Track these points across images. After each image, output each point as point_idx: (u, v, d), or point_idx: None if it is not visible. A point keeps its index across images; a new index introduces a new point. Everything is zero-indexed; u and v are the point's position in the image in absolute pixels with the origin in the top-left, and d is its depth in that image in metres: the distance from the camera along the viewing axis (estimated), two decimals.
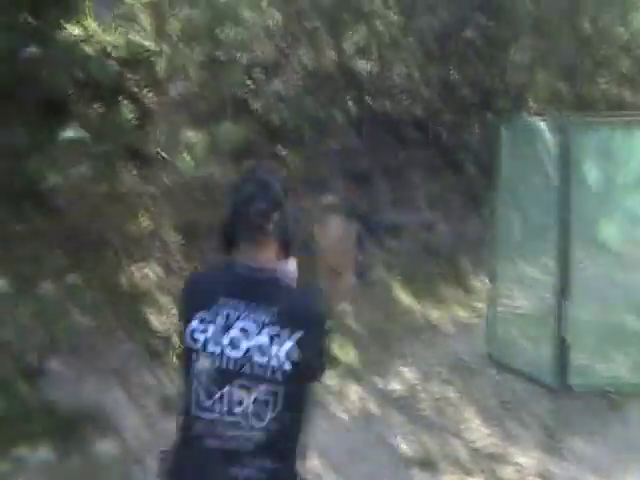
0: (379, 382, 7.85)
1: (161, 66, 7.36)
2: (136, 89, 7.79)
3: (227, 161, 8.17)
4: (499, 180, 8.53)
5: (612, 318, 7.87)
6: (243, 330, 2.16)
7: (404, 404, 7.33)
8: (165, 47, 7.74)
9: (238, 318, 2.17)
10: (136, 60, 8.21)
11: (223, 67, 7.94)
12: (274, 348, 2.14)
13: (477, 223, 12.95)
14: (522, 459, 6.17)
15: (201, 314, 2.20)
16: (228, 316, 2.17)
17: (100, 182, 7.05)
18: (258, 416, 2.15)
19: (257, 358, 2.14)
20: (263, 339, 2.15)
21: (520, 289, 8.77)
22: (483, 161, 13.14)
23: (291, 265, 2.40)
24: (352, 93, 11.39)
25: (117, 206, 7.57)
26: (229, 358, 2.15)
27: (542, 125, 7.95)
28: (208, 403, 2.16)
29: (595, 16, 15.02)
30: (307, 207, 10.12)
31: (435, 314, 10.13)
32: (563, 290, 7.44)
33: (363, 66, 11.60)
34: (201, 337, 2.18)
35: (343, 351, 8.37)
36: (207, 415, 2.16)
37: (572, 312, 7.41)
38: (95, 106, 7.71)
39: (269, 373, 2.15)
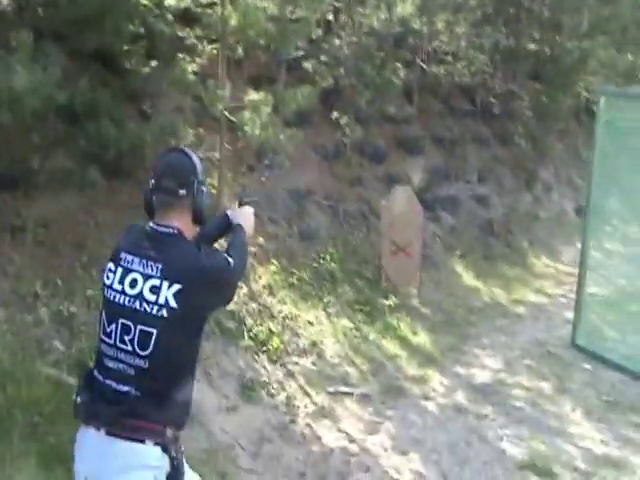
0: (460, 370, 7.10)
1: (223, 21, 6.41)
2: (197, 43, 6.89)
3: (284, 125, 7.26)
4: (594, 154, 7.60)
5: None
6: (134, 280, 2.61)
7: (493, 395, 6.57)
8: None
9: (132, 270, 2.62)
10: (194, 14, 7.36)
11: (289, 24, 6.96)
12: (155, 296, 2.55)
13: (529, 197, 12.24)
14: None
15: (111, 264, 2.69)
16: (125, 267, 2.64)
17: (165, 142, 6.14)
18: (141, 346, 2.55)
19: (143, 301, 2.57)
20: (147, 287, 2.57)
21: (616, 273, 7.97)
22: (533, 132, 12.39)
23: (195, 230, 2.85)
24: (403, 58, 10.48)
25: None
26: (124, 297, 2.61)
27: None
28: (108, 329, 2.63)
29: None
30: (363, 176, 9.34)
31: (501, 295, 9.39)
32: None
33: (415, 30, 10.67)
34: (108, 279, 2.68)
35: (414, 334, 7.64)
36: (107, 339, 2.64)
37: None
38: (152, 63, 6.85)
39: (152, 313, 2.55)
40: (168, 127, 6.55)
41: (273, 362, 6.20)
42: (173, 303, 2.55)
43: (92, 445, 2.60)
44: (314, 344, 6.74)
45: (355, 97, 9.21)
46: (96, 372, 2.68)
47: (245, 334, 6.20)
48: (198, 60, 7.16)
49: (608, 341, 7.69)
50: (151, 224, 2.72)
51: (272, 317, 6.68)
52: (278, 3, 6.69)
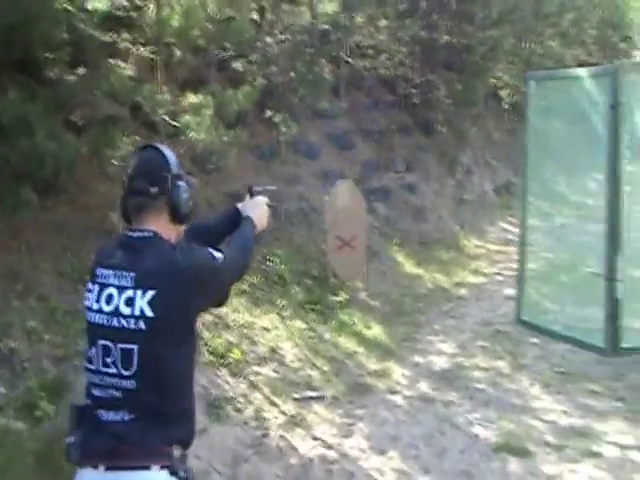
0: (418, 359, 6.71)
1: (160, 23, 5.75)
2: (130, 48, 6.20)
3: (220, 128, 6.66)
4: (527, 132, 7.32)
5: None
6: (109, 295, 2.23)
7: (455, 380, 6.22)
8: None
9: (107, 285, 2.24)
10: (122, 18, 6.65)
11: (223, 25, 6.35)
12: (130, 309, 2.18)
13: (452, 182, 11.99)
14: (614, 434, 5.09)
15: (89, 283, 2.31)
16: (101, 284, 2.26)
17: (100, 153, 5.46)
18: (125, 366, 2.17)
19: (120, 316, 2.19)
20: (122, 301, 2.20)
21: (541, 247, 7.71)
22: (451, 119, 12.17)
23: (179, 230, 2.42)
24: (329, 54, 9.99)
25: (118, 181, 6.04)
26: (101, 316, 2.23)
27: (584, 72, 6.82)
28: (90, 354, 2.26)
29: None
30: (300, 173, 8.82)
31: (443, 280, 9.06)
32: (615, 247, 6.34)
33: (339, 25, 10.17)
34: (87, 301, 2.29)
35: (368, 328, 7.20)
36: (90, 365, 2.26)
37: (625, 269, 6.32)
38: (79, 70, 6.14)
39: (129, 327, 2.17)
40: (103, 138, 5.86)
41: (235, 375, 5.63)
42: (149, 312, 2.17)
43: None
44: (273, 350, 6.20)
45: (287, 95, 8.66)
46: (85, 405, 2.27)
47: (204, 349, 5.59)
48: (129, 65, 6.44)
49: (549, 314, 7.45)
50: (126, 232, 2.34)
51: (228, 327, 6.11)
52: (218, 3, 6.02)
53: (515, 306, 7.65)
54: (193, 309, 2.28)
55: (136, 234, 2.29)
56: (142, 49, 6.41)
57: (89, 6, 6.28)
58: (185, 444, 2.27)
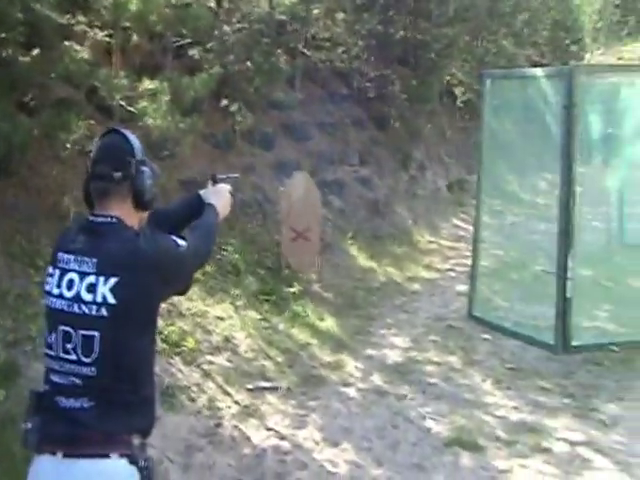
0: (371, 352, 6.80)
1: (118, 7, 5.69)
2: (87, 30, 6.11)
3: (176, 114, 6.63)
4: (482, 131, 7.49)
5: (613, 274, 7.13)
6: (70, 280, 2.21)
7: (407, 374, 6.32)
8: None
9: (68, 270, 2.22)
10: None
11: (180, 10, 6.31)
12: (92, 295, 2.16)
13: (406, 177, 12.15)
14: (564, 430, 5.26)
15: (50, 267, 2.29)
16: (62, 269, 2.24)
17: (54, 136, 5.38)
18: (85, 352, 2.16)
19: (81, 302, 2.18)
20: (84, 286, 2.18)
21: (492, 244, 7.91)
22: (405, 115, 12.32)
23: (142, 217, 2.41)
24: (286, 44, 10.01)
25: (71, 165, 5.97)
26: (62, 301, 2.21)
27: (539, 73, 7.01)
28: (50, 340, 2.24)
29: None
30: (254, 163, 8.84)
31: (395, 274, 9.20)
32: (566, 246, 6.56)
33: (296, 16, 10.19)
34: (47, 285, 2.28)
35: (321, 320, 7.28)
36: (49, 351, 2.24)
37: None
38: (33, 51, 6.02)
39: (91, 314, 2.16)
40: (57, 120, 5.78)
41: (188, 363, 5.63)
42: (111, 299, 2.16)
43: (48, 473, 2.17)
44: (227, 340, 6.22)
45: (243, 84, 8.65)
46: (44, 391, 2.26)
47: (158, 337, 5.56)
48: (85, 48, 6.35)
49: (499, 310, 7.68)
50: (89, 216, 2.32)
51: (182, 315, 6.09)
52: None
53: (467, 302, 7.85)
54: (156, 297, 2.29)
55: (99, 219, 2.27)
56: (99, 32, 6.30)
57: None
58: (145, 433, 2.27)
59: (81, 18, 6.62)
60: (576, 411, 5.55)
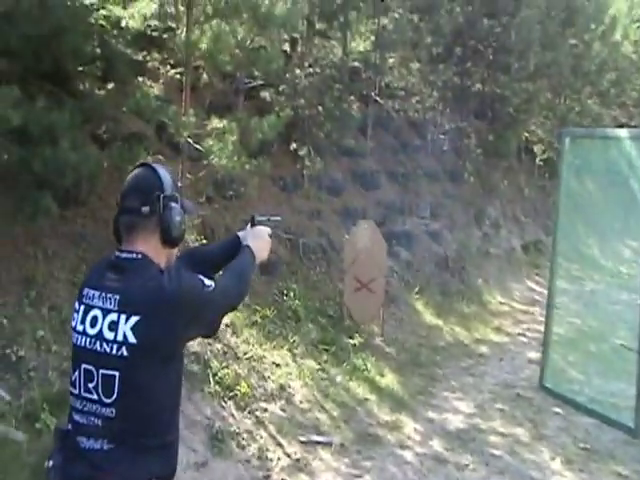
0: (432, 415, 6.62)
1: (189, 45, 5.89)
2: (158, 67, 6.35)
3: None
4: (560, 190, 7.31)
5: None
6: (94, 317, 2.22)
7: (470, 441, 6.11)
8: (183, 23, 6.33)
9: (93, 307, 2.23)
10: (154, 37, 6.81)
11: (252, 52, 6.49)
12: (113, 333, 2.16)
13: (478, 233, 12.03)
14: None
15: (76, 303, 2.30)
16: (87, 305, 2.25)
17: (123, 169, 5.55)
18: (106, 393, 2.17)
19: (103, 340, 2.18)
20: (106, 324, 2.18)
21: (568, 311, 7.67)
22: (480, 169, 12.27)
23: (171, 254, 2.40)
24: (359, 91, 10.16)
25: None
26: (85, 339, 2.22)
27: (623, 133, 6.88)
28: (73, 378, 2.25)
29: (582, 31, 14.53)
30: (321, 209, 8.91)
31: (463, 334, 9.03)
32: None
33: (370, 64, 10.35)
34: (73, 321, 2.29)
35: (381, 376, 7.17)
36: (73, 390, 2.25)
37: None
38: (108, 85, 6.29)
39: (112, 353, 2.16)
40: (127, 153, 5.97)
41: (241, 409, 5.62)
42: (132, 338, 2.15)
43: None
44: (282, 388, 6.19)
45: (313, 129, 8.79)
46: (68, 429, 2.26)
47: (211, 378, 5.60)
48: (157, 84, 6.59)
49: (574, 383, 7.36)
50: (116, 252, 2.32)
51: (237, 359, 6.11)
52: (247, 28, 6.16)
53: (538, 371, 7.58)
54: (178, 337, 2.26)
55: (124, 255, 2.28)
56: (172, 70, 6.53)
57: (123, 23, 6.43)
58: (164, 477, 2.26)
59: (155, 55, 6.86)
60: None
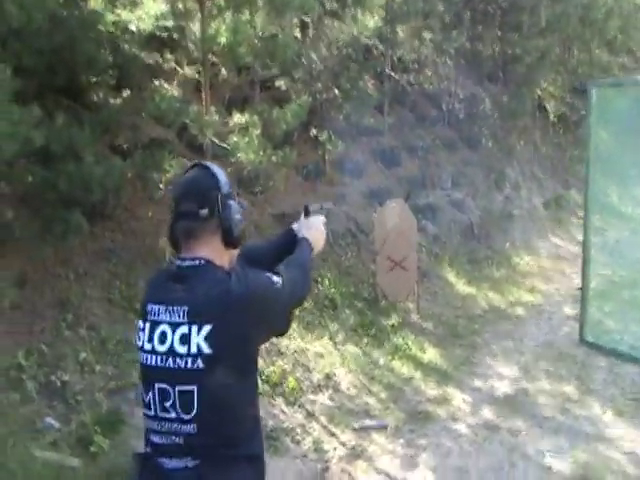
0: (478, 383, 6.45)
1: (206, 41, 5.65)
2: (174, 67, 6.12)
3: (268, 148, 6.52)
4: (589, 145, 7.03)
5: None
6: (162, 333, 2.05)
7: (519, 406, 5.94)
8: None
9: (159, 322, 2.06)
10: (163, 37, 6.58)
11: (269, 41, 6.22)
12: (186, 347, 2.01)
13: (500, 197, 11.74)
14: None
15: (140, 321, 2.13)
16: (152, 321, 2.08)
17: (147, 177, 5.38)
18: (184, 409, 2.02)
19: (175, 356, 2.02)
20: (177, 338, 2.02)
21: (597, 264, 7.43)
22: (497, 133, 11.95)
23: (233, 254, 2.23)
24: (374, 69, 9.84)
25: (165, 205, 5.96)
26: (155, 357, 2.05)
27: None
28: (147, 399, 2.09)
29: None
30: (344, 192, 8.67)
31: (497, 299, 8.80)
32: None
33: (382, 39, 10.02)
34: (139, 341, 2.12)
35: (423, 352, 6.98)
36: (148, 411, 2.10)
37: None
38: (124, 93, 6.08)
39: (187, 367, 2.00)
40: (149, 161, 5.79)
41: (291, 404, 5.47)
42: (207, 349, 2.01)
43: None
44: (328, 377, 6.04)
45: (332, 112, 8.53)
46: (145, 453, 2.13)
47: (258, 378, 5.43)
48: (174, 86, 6.37)
49: (613, 333, 7.19)
50: (176, 260, 2.16)
51: (281, 354, 5.95)
52: (263, 17, 5.90)
53: (577, 326, 7.39)
54: (254, 341, 2.13)
55: (186, 263, 2.12)
56: (187, 69, 6.29)
57: (133, 27, 6.20)
58: None
59: (169, 56, 6.64)
60: None
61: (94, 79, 5.90)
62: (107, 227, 5.69)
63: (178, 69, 6.35)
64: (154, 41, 6.46)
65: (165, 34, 6.70)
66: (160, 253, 5.65)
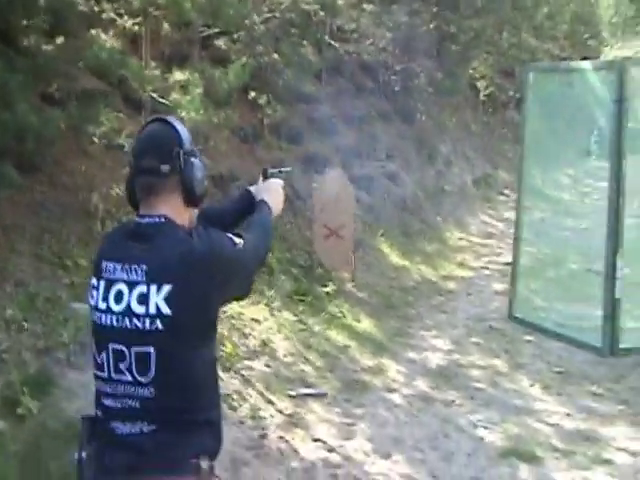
0: (413, 355, 6.45)
1: None
2: (115, 18, 5.75)
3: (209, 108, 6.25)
4: (525, 127, 7.09)
5: None
6: (119, 292, 1.94)
7: (453, 378, 5.98)
8: None
9: (115, 280, 1.95)
10: None
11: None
12: (144, 307, 1.89)
13: (432, 172, 11.78)
14: (623, 440, 4.87)
15: (93, 279, 2.02)
16: (107, 279, 1.97)
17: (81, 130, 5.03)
18: (141, 371, 1.90)
19: (132, 315, 1.91)
20: (134, 297, 1.91)
21: (540, 241, 7.51)
22: (431, 109, 11.95)
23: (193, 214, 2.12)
24: (311, 37, 9.61)
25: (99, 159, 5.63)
26: (110, 316, 1.94)
27: (587, 66, 6.63)
28: (99, 360, 1.98)
29: None
30: (284, 158, 8.45)
31: (429, 272, 8.83)
32: (615, 247, 6.15)
33: (324, 6, 9.76)
34: (92, 299, 2.01)
35: (358, 322, 6.92)
36: (100, 373, 1.99)
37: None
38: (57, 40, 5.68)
39: (144, 328, 1.89)
40: (85, 113, 5.43)
41: (227, 369, 5.27)
42: (166, 309, 1.90)
43: None
44: (264, 343, 5.88)
45: (271, 76, 8.27)
46: (96, 416, 2.01)
47: None
48: (110, 37, 6.00)
49: (540, 310, 7.29)
50: (135, 218, 2.05)
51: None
52: None
53: (507, 302, 7.48)
54: (215, 303, 2.01)
55: (145, 220, 2.00)
56: (128, 21, 5.92)
57: None
58: (214, 454, 2.01)
59: (106, 5, 6.24)
60: (633, 418, 5.18)
61: (27, 22, 5.47)
62: (37, 180, 5.31)
63: (117, 19, 5.95)
64: None
65: None
66: (93, 208, 5.34)
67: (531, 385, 5.85)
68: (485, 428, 5.06)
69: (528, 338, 6.86)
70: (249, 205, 2.46)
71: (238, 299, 2.28)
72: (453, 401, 5.50)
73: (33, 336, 4.41)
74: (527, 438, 4.90)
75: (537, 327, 6.98)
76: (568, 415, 5.28)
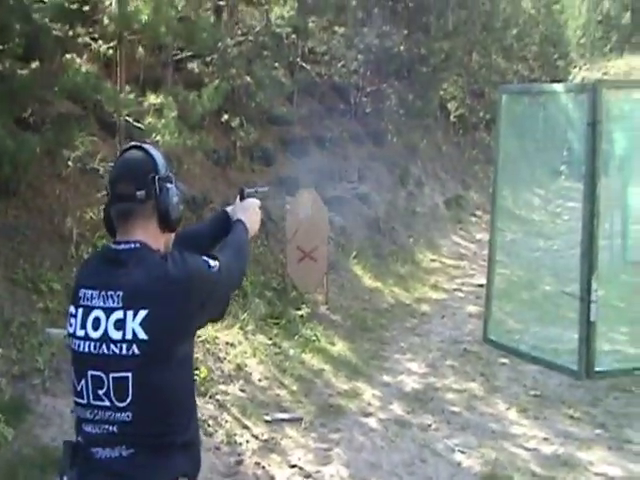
0: (388, 379, 6.54)
1: (126, 17, 5.41)
2: (90, 43, 5.83)
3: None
4: (498, 148, 7.27)
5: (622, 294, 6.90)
6: (96, 319, 1.99)
7: (428, 402, 6.05)
8: None
9: (93, 308, 2.00)
10: (79, 10, 6.22)
11: (189, 23, 6.05)
12: (120, 332, 1.95)
13: (404, 193, 11.96)
14: (601, 464, 4.97)
15: (72, 307, 2.07)
16: (85, 306, 2.02)
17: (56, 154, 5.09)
18: (119, 397, 1.96)
19: (110, 342, 1.96)
20: (111, 324, 1.97)
21: (512, 263, 7.69)
22: (401, 130, 12.17)
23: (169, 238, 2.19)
24: (286, 58, 9.77)
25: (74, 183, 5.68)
26: (88, 343, 1.99)
27: (559, 88, 6.85)
28: (79, 387, 2.03)
29: None
30: (255, 180, 8.55)
31: (403, 295, 8.95)
32: (590, 269, 6.31)
33: (294, 30, 9.95)
34: (71, 327, 2.06)
35: (332, 345, 7.02)
36: (79, 400, 2.04)
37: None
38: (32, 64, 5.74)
39: (122, 354, 1.95)
40: (60, 137, 5.49)
41: (202, 394, 5.32)
42: (142, 334, 1.96)
43: None
44: (239, 367, 5.94)
45: (244, 99, 8.40)
46: (78, 442, 2.05)
47: None
48: (84, 61, 6.06)
49: (514, 333, 7.43)
50: (110, 244, 2.12)
51: None
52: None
53: (480, 324, 7.60)
54: (190, 327, 2.09)
55: (121, 246, 2.07)
56: (102, 45, 5.99)
57: None
58: (192, 476, 2.11)
59: (80, 30, 6.31)
60: (610, 442, 5.27)
61: (1, 47, 5.53)
62: (12, 204, 5.34)
63: (92, 44, 6.02)
64: (68, 13, 6.10)
65: (75, 6, 6.33)
66: (67, 232, 5.38)
67: (507, 409, 5.92)
68: (463, 453, 5.14)
69: (503, 361, 6.95)
70: (226, 226, 2.52)
71: (213, 321, 2.33)
72: (429, 425, 5.57)
73: (7, 362, 4.43)
74: (505, 463, 4.97)
75: (512, 350, 7.07)
76: (545, 439, 5.35)
